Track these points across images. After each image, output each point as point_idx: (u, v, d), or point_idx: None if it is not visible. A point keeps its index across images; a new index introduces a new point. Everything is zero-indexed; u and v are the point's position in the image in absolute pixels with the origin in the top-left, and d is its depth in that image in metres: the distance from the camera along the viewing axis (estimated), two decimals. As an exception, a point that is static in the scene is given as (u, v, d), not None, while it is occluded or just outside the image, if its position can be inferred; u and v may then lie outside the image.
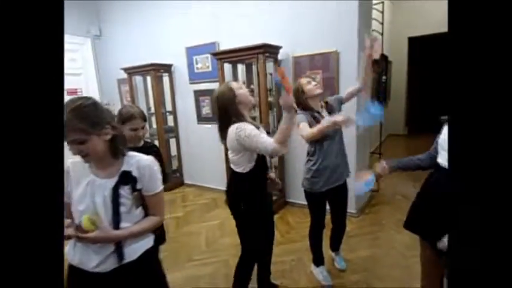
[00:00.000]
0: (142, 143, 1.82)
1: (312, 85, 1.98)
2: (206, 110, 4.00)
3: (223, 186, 3.79)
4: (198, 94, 4.01)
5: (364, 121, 1.88)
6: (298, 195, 3.46)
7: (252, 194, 1.72)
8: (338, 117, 1.73)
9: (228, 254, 2.61)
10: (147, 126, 1.84)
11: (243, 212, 1.73)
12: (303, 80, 2.01)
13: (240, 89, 1.67)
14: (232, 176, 1.76)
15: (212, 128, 3.96)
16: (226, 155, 3.42)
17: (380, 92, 5.35)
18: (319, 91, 1.99)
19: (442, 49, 6.80)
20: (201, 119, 4.08)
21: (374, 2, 3.45)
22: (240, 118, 1.61)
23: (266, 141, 1.49)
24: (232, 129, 1.57)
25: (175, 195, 4.18)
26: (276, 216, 3.22)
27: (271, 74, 3.38)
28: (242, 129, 1.53)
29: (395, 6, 6.63)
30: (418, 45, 6.85)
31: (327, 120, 1.81)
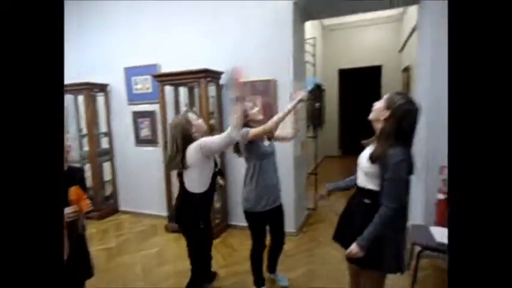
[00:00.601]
0: (65, 167, 1.65)
1: (255, 110, 2.14)
2: (145, 132, 3.86)
3: (163, 212, 3.66)
4: (136, 115, 3.86)
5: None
6: (240, 218, 3.48)
7: (207, 213, 2.13)
8: (300, 94, 2.06)
9: (168, 284, 2.47)
10: (73, 147, 1.70)
11: (201, 229, 2.01)
12: (248, 104, 2.14)
13: (197, 119, 1.98)
14: (189, 198, 1.96)
15: (152, 151, 3.82)
16: (168, 177, 3.34)
17: (315, 117, 5.81)
18: (261, 117, 2.18)
19: (367, 80, 7.75)
20: (140, 141, 3.91)
21: (307, 37, 3.83)
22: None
23: (222, 134, 1.81)
24: (193, 145, 1.85)
25: (108, 223, 3.84)
26: (217, 240, 3.18)
27: (212, 97, 3.44)
28: (203, 140, 1.85)
29: (327, 41, 7.42)
30: (347, 76, 7.69)
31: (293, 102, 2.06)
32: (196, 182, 1.92)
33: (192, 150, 1.85)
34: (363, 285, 1.56)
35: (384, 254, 1.41)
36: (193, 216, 1.97)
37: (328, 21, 7.00)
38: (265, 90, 3.19)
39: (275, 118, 1.99)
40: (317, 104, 5.42)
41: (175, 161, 1.89)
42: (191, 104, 3.51)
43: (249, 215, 2.13)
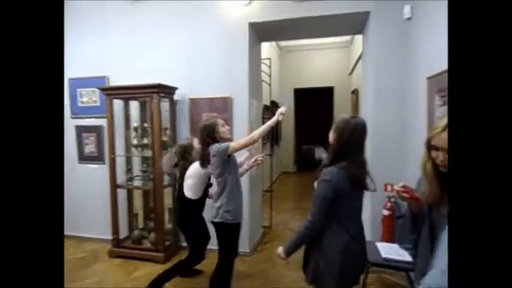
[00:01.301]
0: None
1: (225, 128, 2.20)
2: (90, 148, 3.57)
3: (105, 235, 3.35)
4: (80, 130, 3.57)
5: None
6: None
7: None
8: (282, 109, 2.15)
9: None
10: None
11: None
12: (220, 121, 2.18)
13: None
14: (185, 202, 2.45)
15: (97, 168, 3.53)
16: (114, 197, 3.09)
17: (272, 134, 5.91)
18: (229, 136, 2.32)
19: (320, 100, 8.15)
20: (84, 157, 3.60)
21: (263, 57, 3.93)
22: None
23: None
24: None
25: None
26: (169, 264, 2.98)
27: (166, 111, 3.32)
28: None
29: (284, 61, 7.71)
30: (302, 95, 8.02)
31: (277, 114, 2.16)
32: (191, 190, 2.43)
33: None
34: None
35: (324, 274, 1.49)
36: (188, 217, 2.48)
37: (284, 43, 7.30)
38: (223, 107, 3.17)
39: (256, 132, 2.11)
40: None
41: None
42: (143, 119, 3.34)
43: (229, 226, 2.14)
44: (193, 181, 2.39)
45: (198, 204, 2.50)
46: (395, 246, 2.39)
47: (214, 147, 2.06)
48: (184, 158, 2.52)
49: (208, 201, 2.52)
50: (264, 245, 3.52)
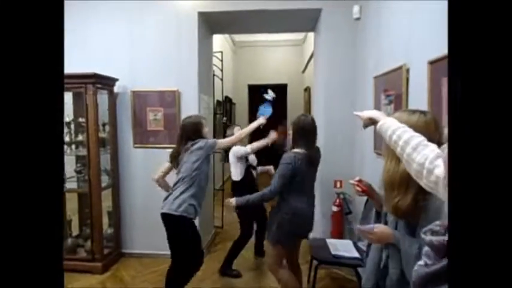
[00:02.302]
0: None
1: (207, 130, 2.25)
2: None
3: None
4: None
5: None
6: (135, 245, 3.07)
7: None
8: (262, 119, 2.60)
9: None
10: None
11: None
12: (204, 121, 2.22)
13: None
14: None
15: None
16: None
17: (225, 130, 5.77)
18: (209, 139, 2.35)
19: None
20: None
21: (214, 50, 3.75)
22: None
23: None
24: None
25: None
26: (108, 274, 2.71)
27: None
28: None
29: (238, 56, 7.58)
30: (256, 92, 7.98)
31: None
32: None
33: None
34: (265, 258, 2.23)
35: (270, 231, 2.01)
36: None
37: (239, 38, 7.17)
38: (170, 101, 2.94)
39: (242, 131, 2.46)
40: (224, 118, 5.39)
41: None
42: (77, 113, 2.96)
43: (191, 221, 2.12)
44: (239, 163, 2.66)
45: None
46: (344, 242, 2.44)
47: (201, 141, 2.09)
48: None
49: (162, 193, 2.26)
50: (216, 246, 3.39)
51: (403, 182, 0.98)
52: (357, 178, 1.33)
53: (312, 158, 2.00)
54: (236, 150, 2.68)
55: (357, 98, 2.81)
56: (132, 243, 3.07)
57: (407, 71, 1.75)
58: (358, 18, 2.71)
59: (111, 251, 2.93)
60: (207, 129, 2.25)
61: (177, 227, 2.04)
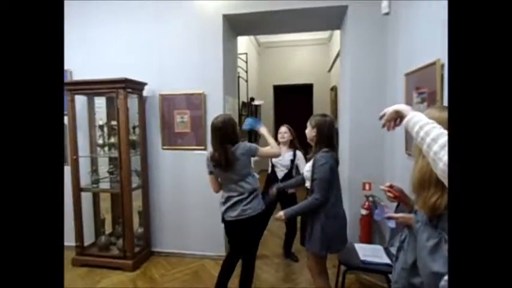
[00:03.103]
0: None
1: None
2: (52, 148, 3.28)
3: (69, 242, 3.06)
4: (40, 128, 3.27)
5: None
6: (164, 244, 3.16)
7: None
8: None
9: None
10: None
11: None
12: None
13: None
14: None
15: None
16: (77, 201, 2.84)
17: (250, 132, 5.78)
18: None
19: (300, 97, 8.10)
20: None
21: (239, 52, 3.78)
22: None
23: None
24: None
25: None
26: (138, 272, 2.81)
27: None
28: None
29: (263, 57, 7.58)
30: (282, 92, 7.94)
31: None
32: None
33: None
34: (312, 267, 2.01)
35: (315, 239, 1.88)
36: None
37: (263, 39, 7.17)
38: (197, 103, 2.99)
39: (275, 146, 2.23)
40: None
41: None
42: (110, 116, 3.10)
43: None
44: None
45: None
46: (373, 247, 2.34)
47: (240, 145, 2.02)
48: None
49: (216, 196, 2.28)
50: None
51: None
52: (388, 184, 1.29)
53: (337, 159, 1.97)
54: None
55: (386, 97, 2.69)
56: (160, 242, 3.16)
57: (442, 66, 1.64)
58: (387, 13, 2.59)
59: (141, 249, 3.03)
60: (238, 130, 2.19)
61: (257, 224, 2.10)
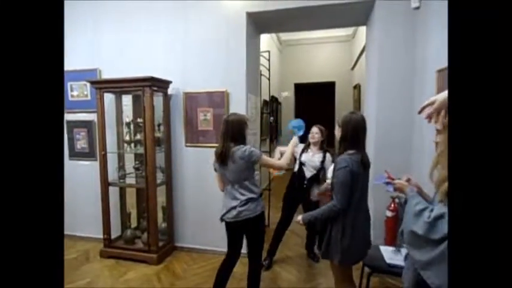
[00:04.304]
0: None
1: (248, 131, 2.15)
2: (81, 144, 3.43)
3: (99, 234, 3.23)
4: (71, 125, 3.43)
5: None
6: (187, 239, 3.22)
7: None
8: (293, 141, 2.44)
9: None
10: None
11: None
12: (247, 121, 2.12)
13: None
14: None
15: (88, 165, 3.40)
16: (106, 194, 2.96)
17: (271, 130, 5.77)
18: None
19: (322, 95, 7.98)
20: (74, 153, 3.46)
21: (262, 50, 3.76)
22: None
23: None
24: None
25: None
26: (161, 265, 2.88)
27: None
28: None
29: (284, 55, 7.53)
30: (303, 90, 7.85)
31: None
32: None
33: None
34: (334, 276, 1.92)
35: (332, 248, 1.76)
36: None
37: (285, 36, 7.12)
38: (220, 101, 3.02)
39: (285, 160, 2.21)
40: (271, 118, 5.38)
41: None
42: (136, 114, 3.20)
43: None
44: None
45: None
46: (400, 250, 2.26)
47: (242, 149, 1.95)
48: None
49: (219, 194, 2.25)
50: (262, 245, 3.39)
51: None
52: (405, 177, 1.38)
53: (365, 161, 1.76)
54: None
55: (414, 95, 2.59)
56: (183, 237, 3.22)
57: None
58: (417, 8, 2.49)
59: (165, 243, 3.11)
60: (249, 130, 2.13)
61: (259, 224, 2.05)
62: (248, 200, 1.98)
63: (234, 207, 1.98)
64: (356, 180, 1.70)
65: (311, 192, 2.67)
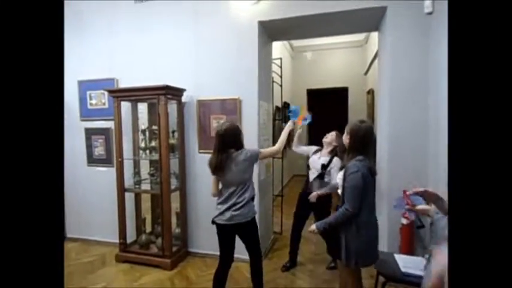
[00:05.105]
0: None
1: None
2: (99, 151, 3.54)
3: (115, 239, 3.31)
4: (90, 132, 3.55)
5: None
6: (200, 245, 3.25)
7: None
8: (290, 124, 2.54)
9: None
10: None
11: None
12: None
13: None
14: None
15: (105, 172, 3.50)
16: (122, 200, 3.04)
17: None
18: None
19: (334, 100, 7.93)
20: (92, 160, 3.58)
21: (274, 57, 3.80)
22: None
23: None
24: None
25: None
26: (175, 271, 2.91)
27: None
28: None
29: (296, 61, 7.55)
30: (315, 96, 7.83)
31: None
32: None
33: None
34: (343, 277, 2.00)
35: (346, 250, 1.80)
36: None
37: (297, 43, 7.15)
38: (232, 109, 3.07)
39: (280, 143, 2.35)
40: (284, 124, 5.37)
41: None
42: (151, 121, 3.29)
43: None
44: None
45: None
46: (415, 258, 2.21)
47: (244, 151, 2.11)
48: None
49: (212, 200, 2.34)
50: (274, 252, 3.38)
51: None
52: (422, 189, 1.34)
53: (373, 169, 1.82)
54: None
55: (428, 101, 2.55)
56: (197, 243, 3.26)
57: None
58: (430, 13, 2.47)
59: (178, 248, 3.15)
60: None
61: (252, 228, 2.19)
62: (243, 204, 2.10)
63: (227, 210, 2.10)
64: (368, 185, 1.77)
65: (310, 194, 2.71)
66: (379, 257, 1.93)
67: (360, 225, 1.78)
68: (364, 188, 1.75)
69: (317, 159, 2.88)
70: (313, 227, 1.90)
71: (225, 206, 2.10)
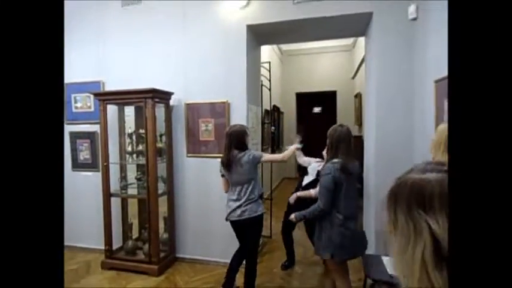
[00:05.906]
0: None
1: (249, 139, 2.44)
2: (84, 155, 3.46)
3: (100, 245, 3.23)
4: (74, 136, 3.47)
5: None
6: (188, 250, 3.20)
7: None
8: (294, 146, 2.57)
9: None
10: None
11: None
12: (247, 131, 2.41)
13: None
14: None
15: (91, 176, 3.42)
16: (107, 205, 2.97)
17: (273, 139, 5.79)
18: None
19: (323, 104, 8.02)
20: (77, 164, 3.49)
21: (263, 61, 3.82)
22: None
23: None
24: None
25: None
26: (162, 277, 2.86)
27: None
28: None
29: (285, 65, 7.60)
30: (304, 100, 7.89)
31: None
32: None
33: None
34: (330, 275, 2.16)
35: (322, 243, 1.99)
36: None
37: (286, 47, 7.21)
38: (221, 112, 3.05)
39: (286, 153, 2.45)
40: (273, 128, 5.40)
41: None
42: (138, 125, 3.23)
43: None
44: None
45: None
46: (402, 260, 2.24)
47: (247, 153, 2.27)
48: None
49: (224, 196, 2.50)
50: (263, 256, 3.37)
51: None
52: None
53: (349, 168, 1.95)
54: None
55: (413, 104, 2.60)
56: (184, 248, 3.21)
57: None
58: (414, 19, 2.53)
59: (166, 254, 3.09)
60: (250, 138, 2.46)
61: (260, 223, 2.34)
62: (250, 201, 2.28)
63: (238, 207, 2.28)
64: (340, 186, 1.94)
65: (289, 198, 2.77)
66: (359, 254, 2.11)
67: (334, 221, 1.95)
68: (336, 189, 1.93)
69: (317, 167, 2.89)
70: (293, 215, 2.12)
71: (236, 204, 2.29)
